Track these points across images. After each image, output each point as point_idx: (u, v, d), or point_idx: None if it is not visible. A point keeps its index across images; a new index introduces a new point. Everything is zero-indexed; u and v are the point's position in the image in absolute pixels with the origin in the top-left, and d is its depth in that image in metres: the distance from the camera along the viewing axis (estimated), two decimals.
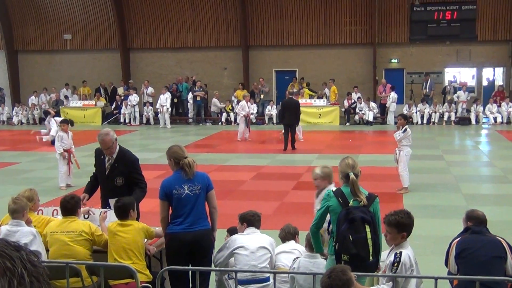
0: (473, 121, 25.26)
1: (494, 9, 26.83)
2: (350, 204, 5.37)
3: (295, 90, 23.70)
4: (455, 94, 25.88)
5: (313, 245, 5.70)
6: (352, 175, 5.43)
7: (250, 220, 6.43)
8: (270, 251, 6.18)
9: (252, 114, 26.23)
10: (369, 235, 5.31)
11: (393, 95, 25.90)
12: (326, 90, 27.10)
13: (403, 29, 27.57)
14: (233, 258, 6.21)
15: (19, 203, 5.96)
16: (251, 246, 6.11)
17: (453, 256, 5.81)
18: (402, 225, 5.18)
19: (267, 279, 6.12)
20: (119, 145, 7.28)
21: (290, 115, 18.41)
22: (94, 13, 30.08)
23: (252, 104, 26.95)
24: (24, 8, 30.49)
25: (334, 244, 5.37)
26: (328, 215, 5.57)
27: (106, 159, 7.17)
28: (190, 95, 27.21)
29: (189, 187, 6.12)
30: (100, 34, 30.29)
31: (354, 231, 5.27)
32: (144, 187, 7.16)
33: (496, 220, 8.66)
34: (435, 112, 25.77)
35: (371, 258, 5.33)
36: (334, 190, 5.53)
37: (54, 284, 5.85)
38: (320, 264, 5.74)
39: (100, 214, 6.79)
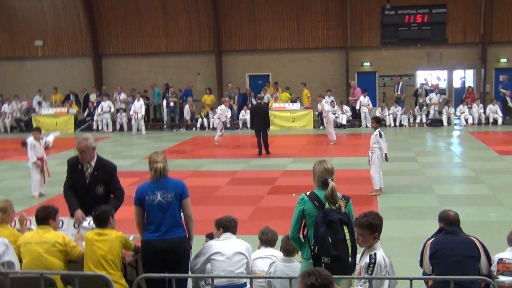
0: (445, 123, 25.59)
1: (464, 12, 27.21)
2: (326, 207, 5.39)
3: (263, 95, 23.63)
4: (427, 97, 26.17)
5: (297, 247, 5.71)
6: (331, 182, 5.44)
7: (226, 225, 6.42)
8: (247, 256, 6.18)
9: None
10: (347, 236, 5.32)
11: (363, 99, 26.14)
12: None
13: (374, 32, 27.82)
14: (209, 264, 6.19)
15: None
16: (228, 252, 6.10)
17: (428, 257, 5.86)
18: (373, 226, 5.20)
19: (244, 284, 6.13)
20: (96, 153, 7.17)
21: (259, 120, 18.39)
22: (65, 19, 29.81)
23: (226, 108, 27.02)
24: None
25: (312, 247, 5.37)
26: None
27: (85, 168, 7.04)
28: (164, 101, 27.16)
29: (162, 194, 6.06)
30: (72, 40, 30.04)
31: (333, 233, 5.28)
32: (120, 197, 7.07)
33: (469, 220, 8.75)
34: (407, 114, 26.04)
35: (350, 258, 5.35)
36: (308, 194, 5.52)
37: None
38: (296, 268, 5.74)
39: (78, 232, 6.67)
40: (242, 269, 6.11)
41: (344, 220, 5.33)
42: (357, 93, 26.99)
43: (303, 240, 5.58)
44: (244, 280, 6.10)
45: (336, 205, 5.38)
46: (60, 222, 6.86)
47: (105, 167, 7.10)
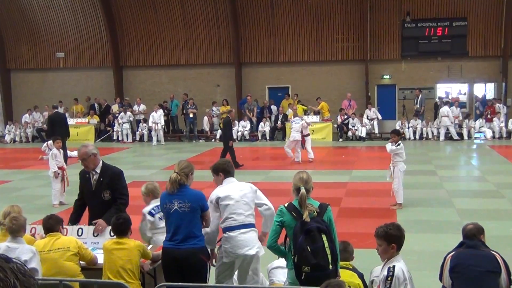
0: (465, 136, 25.39)
1: (485, 25, 27.07)
2: (304, 216, 5.39)
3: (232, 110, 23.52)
4: (443, 109, 25.90)
5: (278, 255, 5.83)
6: (303, 190, 5.46)
7: (226, 169, 6.53)
8: (253, 191, 6.44)
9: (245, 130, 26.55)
10: (326, 244, 5.34)
11: (369, 112, 26.33)
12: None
13: (394, 45, 27.77)
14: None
15: (18, 223, 5.91)
16: (235, 195, 6.27)
17: (447, 271, 5.81)
18: (390, 236, 5.18)
19: (252, 225, 6.30)
20: (102, 160, 7.26)
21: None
22: (87, 31, 30.17)
23: (246, 121, 27.17)
24: (17, 27, 30.54)
25: (292, 257, 5.39)
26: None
27: (91, 175, 7.14)
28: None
29: (178, 204, 6.08)
30: (93, 52, 30.36)
31: (311, 242, 5.31)
32: (121, 206, 7.05)
33: (489, 235, 8.57)
34: (430, 127, 25.91)
35: (330, 266, 5.34)
36: (286, 205, 5.55)
37: None
38: None
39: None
40: (251, 211, 6.33)
41: (322, 228, 5.37)
42: (353, 105, 27.03)
43: (283, 248, 5.64)
44: (252, 221, 6.32)
45: (314, 213, 5.40)
46: (80, 230, 6.94)
47: (110, 172, 7.20)
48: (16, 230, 5.85)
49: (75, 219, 7.37)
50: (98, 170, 7.13)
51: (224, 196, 6.24)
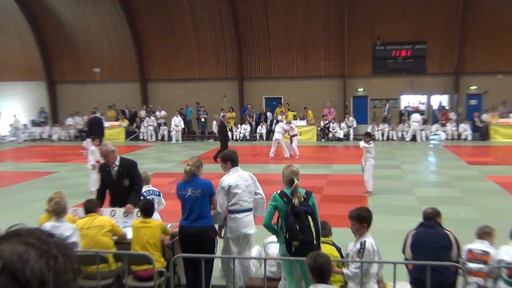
0: (424, 138, 25.45)
1: (441, 48, 27.09)
2: (293, 201, 5.42)
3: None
4: (410, 116, 26.06)
5: (271, 232, 5.81)
6: (296, 181, 5.50)
7: (233, 159, 6.51)
8: (254, 181, 6.50)
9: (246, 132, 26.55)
10: (311, 224, 5.37)
11: (347, 120, 26.21)
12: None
13: (367, 64, 27.77)
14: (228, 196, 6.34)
15: (61, 206, 5.93)
16: (242, 184, 6.32)
17: (409, 245, 5.84)
18: (362, 218, 5.21)
19: (251, 209, 6.40)
20: (119, 156, 7.34)
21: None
22: (118, 51, 30.15)
23: (247, 125, 27.20)
24: (62, 46, 30.53)
25: (284, 234, 5.42)
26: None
27: (112, 168, 7.19)
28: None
29: (191, 190, 6.13)
30: (123, 68, 30.34)
31: (300, 222, 5.34)
32: (139, 189, 7.21)
33: (444, 218, 8.67)
34: (395, 130, 26.02)
35: (315, 241, 5.37)
36: (278, 192, 5.58)
37: (86, 270, 5.83)
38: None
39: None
40: (252, 198, 6.43)
41: (308, 211, 5.40)
42: (332, 112, 27.05)
43: (275, 227, 5.65)
44: (251, 205, 6.38)
45: (301, 199, 5.43)
46: (113, 212, 6.96)
47: (128, 164, 7.28)
48: (58, 212, 5.89)
49: (111, 195, 7.42)
50: (117, 163, 7.20)
51: (234, 185, 6.27)
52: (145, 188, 7.49)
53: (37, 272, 1.05)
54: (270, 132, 26.95)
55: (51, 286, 1.06)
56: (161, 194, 7.97)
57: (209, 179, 6.54)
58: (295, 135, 19.79)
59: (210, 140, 27.21)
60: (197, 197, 6.12)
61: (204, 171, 6.67)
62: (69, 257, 1.13)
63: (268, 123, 27.48)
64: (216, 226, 6.38)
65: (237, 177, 6.36)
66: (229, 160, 6.46)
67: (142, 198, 7.09)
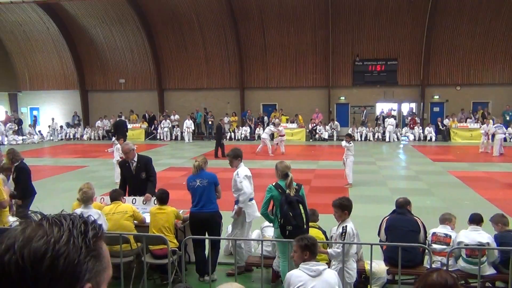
0: (395, 139, 25.41)
1: (409, 64, 27.07)
2: (287, 192, 5.36)
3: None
4: (386, 120, 25.97)
5: (267, 220, 5.77)
6: (291, 174, 5.45)
7: (241, 155, 6.49)
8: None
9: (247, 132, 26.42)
10: (302, 211, 5.33)
11: (332, 124, 26.16)
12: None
13: (348, 76, 27.73)
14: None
15: (88, 195, 5.89)
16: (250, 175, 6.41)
17: (384, 229, 5.80)
18: (343, 206, 5.16)
19: (252, 199, 6.41)
20: (137, 153, 7.32)
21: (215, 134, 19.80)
22: (140, 65, 30.05)
23: (247, 127, 27.12)
24: (93, 61, 30.42)
25: (279, 220, 5.37)
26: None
27: (131, 164, 7.16)
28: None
29: (200, 181, 6.10)
30: (144, 79, 30.23)
31: (292, 209, 5.29)
32: (154, 181, 7.17)
33: (413, 206, 8.63)
34: (371, 132, 25.95)
35: (305, 226, 5.32)
36: (274, 184, 5.52)
37: (111, 249, 5.77)
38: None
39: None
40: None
41: (299, 200, 5.36)
42: (319, 117, 26.99)
43: (271, 216, 5.58)
44: (252, 196, 6.37)
45: (293, 190, 5.37)
46: (134, 200, 6.90)
47: (144, 160, 7.29)
48: (86, 200, 5.86)
49: (130, 186, 7.34)
50: (135, 159, 7.19)
51: (250, 176, 6.37)
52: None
53: (34, 252, 0.94)
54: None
55: (45, 266, 0.93)
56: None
57: (215, 172, 6.49)
58: (283, 135, 19.98)
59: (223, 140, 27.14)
60: (204, 187, 6.08)
61: (211, 166, 6.61)
62: (82, 236, 1.00)
63: (265, 125, 27.37)
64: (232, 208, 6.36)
65: (249, 171, 6.39)
66: (240, 156, 6.44)
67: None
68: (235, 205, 6.36)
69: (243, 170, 6.35)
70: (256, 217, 6.27)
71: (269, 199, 5.51)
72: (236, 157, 6.43)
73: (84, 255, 0.98)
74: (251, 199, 6.29)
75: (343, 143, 12.25)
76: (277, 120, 21.18)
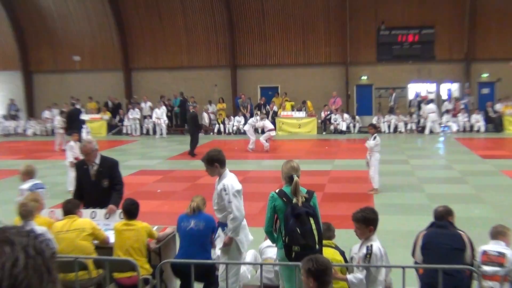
0: (436, 130, 25.42)
1: (450, 33, 27.11)
2: (294, 202, 5.33)
3: (197, 105, 23.75)
4: (422, 106, 25.89)
5: (271, 240, 5.69)
6: (296, 178, 5.39)
7: (220, 159, 5.97)
8: None
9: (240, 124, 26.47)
10: (313, 226, 5.28)
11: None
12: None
13: (371, 50, 27.74)
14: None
15: (28, 209, 5.89)
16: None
17: (419, 247, 5.80)
18: (368, 220, 5.14)
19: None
20: (99, 153, 7.27)
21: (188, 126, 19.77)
22: (100, 38, 30.00)
23: (240, 117, 27.09)
24: (39, 33, 30.33)
25: (283, 238, 5.32)
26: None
27: (90, 167, 7.11)
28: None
29: (195, 223, 6.05)
30: (105, 56, 30.19)
31: (301, 224, 5.23)
32: (120, 189, 7.15)
33: (456, 217, 8.65)
34: (403, 122, 25.99)
35: (317, 246, 5.29)
36: (277, 191, 5.45)
37: (64, 278, 5.74)
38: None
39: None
40: None
41: (310, 213, 5.30)
42: (338, 102, 27.01)
43: (275, 235, 5.52)
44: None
45: (302, 199, 5.32)
46: (93, 213, 6.88)
47: (109, 163, 7.24)
48: (24, 215, 5.87)
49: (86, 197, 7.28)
50: (97, 161, 7.14)
51: (241, 190, 5.96)
52: (29, 183, 7.57)
53: None
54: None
55: None
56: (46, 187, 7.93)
57: (200, 177, 6.47)
58: (271, 129, 20.12)
59: (200, 134, 27.08)
60: (200, 231, 6.02)
61: (196, 168, 6.59)
62: (40, 257, 1.00)
63: (268, 116, 27.26)
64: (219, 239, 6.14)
65: (237, 181, 6.00)
66: (216, 161, 5.92)
67: (29, 192, 7.04)
68: (219, 230, 6.04)
69: (231, 182, 5.89)
70: (250, 240, 6.19)
71: (272, 212, 5.46)
72: (211, 162, 5.95)
73: (46, 282, 0.98)
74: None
75: (368, 143, 12.24)
76: (262, 114, 21.38)
